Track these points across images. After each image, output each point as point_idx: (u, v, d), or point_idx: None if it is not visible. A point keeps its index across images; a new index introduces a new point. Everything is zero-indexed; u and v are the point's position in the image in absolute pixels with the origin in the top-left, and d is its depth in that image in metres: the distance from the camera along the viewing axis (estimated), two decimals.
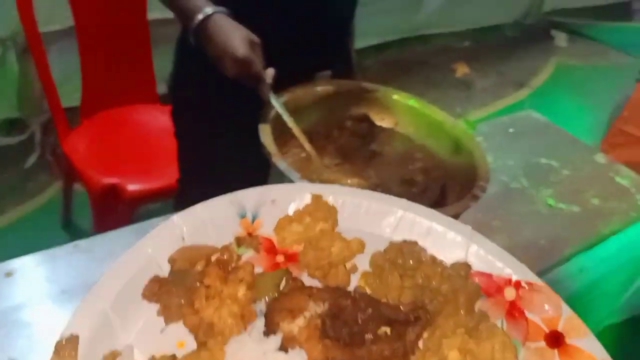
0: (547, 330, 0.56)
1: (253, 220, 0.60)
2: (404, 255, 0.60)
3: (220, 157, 1.12)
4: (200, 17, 0.88)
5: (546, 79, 3.80)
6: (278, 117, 0.91)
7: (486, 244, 0.62)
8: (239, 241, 0.59)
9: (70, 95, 1.82)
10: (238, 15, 0.92)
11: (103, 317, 0.50)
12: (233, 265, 0.57)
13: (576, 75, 3.98)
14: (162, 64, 1.14)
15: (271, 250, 0.60)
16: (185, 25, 0.93)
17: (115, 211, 1.45)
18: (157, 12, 1.58)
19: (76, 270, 0.81)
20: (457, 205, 0.83)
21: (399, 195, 0.91)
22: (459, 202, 0.84)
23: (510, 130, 1.52)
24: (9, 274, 0.78)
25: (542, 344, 0.56)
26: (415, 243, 0.61)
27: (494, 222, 1.17)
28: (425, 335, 0.55)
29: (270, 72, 0.91)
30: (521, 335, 0.57)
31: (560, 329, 0.56)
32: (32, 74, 1.76)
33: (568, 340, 0.56)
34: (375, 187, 0.92)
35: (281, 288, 0.57)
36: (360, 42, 3.16)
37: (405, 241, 0.62)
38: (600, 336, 0.56)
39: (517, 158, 1.39)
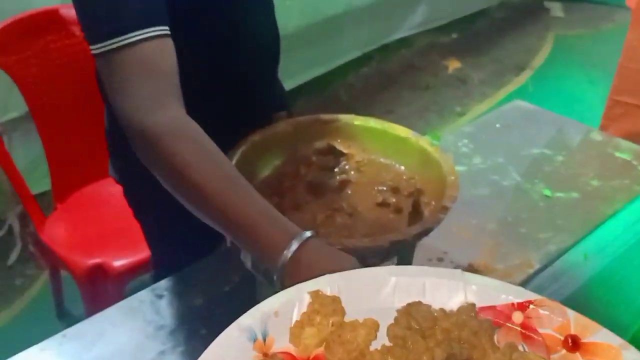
0: (562, 338, 0.65)
1: (265, 340, 0.64)
2: (415, 319, 0.66)
3: (184, 225, 1.04)
4: (288, 254, 0.76)
5: (547, 56, 3.87)
6: None
7: (479, 279, 0.70)
8: None
9: (41, 180, 1.94)
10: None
11: None
12: None
13: (579, 45, 4.03)
14: None
15: None
16: (261, 259, 0.81)
17: (105, 291, 1.54)
18: None
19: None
20: (428, 220, 0.92)
21: (375, 219, 1.03)
22: (430, 217, 0.93)
23: (497, 125, 1.59)
24: None
25: (564, 351, 0.65)
26: (420, 303, 0.67)
27: (488, 225, 1.24)
28: None
29: None
30: (543, 351, 0.65)
31: (573, 332, 0.65)
32: None
33: (584, 340, 0.65)
34: (348, 217, 1.01)
35: None
36: (340, 59, 3.30)
37: (409, 304, 0.67)
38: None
39: (506, 153, 1.45)
